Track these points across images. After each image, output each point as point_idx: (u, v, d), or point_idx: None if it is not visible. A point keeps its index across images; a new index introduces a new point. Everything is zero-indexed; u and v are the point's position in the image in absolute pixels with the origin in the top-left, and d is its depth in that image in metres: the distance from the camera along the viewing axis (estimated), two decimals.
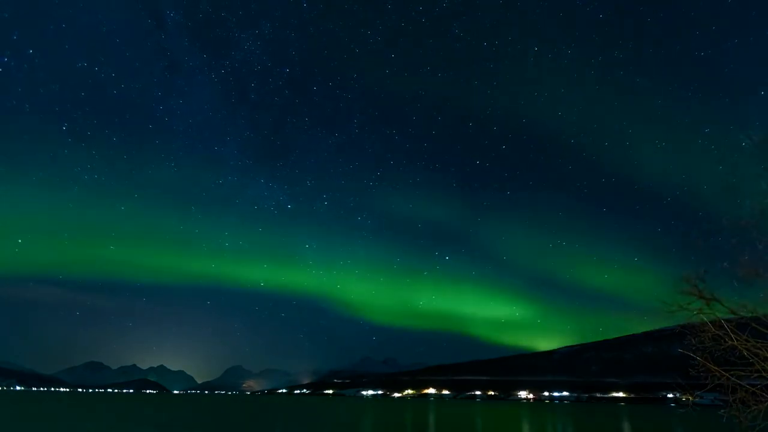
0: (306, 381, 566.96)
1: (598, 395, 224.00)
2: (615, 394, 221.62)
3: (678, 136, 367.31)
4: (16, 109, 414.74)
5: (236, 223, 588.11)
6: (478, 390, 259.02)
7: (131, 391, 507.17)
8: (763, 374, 8.04)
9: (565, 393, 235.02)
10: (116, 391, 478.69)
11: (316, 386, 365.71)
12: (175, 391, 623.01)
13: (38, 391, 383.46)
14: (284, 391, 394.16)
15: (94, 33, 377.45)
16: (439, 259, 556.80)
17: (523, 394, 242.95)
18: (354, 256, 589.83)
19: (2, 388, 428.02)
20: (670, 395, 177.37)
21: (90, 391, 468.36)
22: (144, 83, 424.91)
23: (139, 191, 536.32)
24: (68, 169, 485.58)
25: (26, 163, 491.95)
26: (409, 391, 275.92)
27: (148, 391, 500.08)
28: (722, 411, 8.43)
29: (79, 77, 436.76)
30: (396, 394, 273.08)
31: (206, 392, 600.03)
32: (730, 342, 8.26)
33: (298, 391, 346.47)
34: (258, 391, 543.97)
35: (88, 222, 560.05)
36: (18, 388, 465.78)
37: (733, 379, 8.28)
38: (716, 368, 8.35)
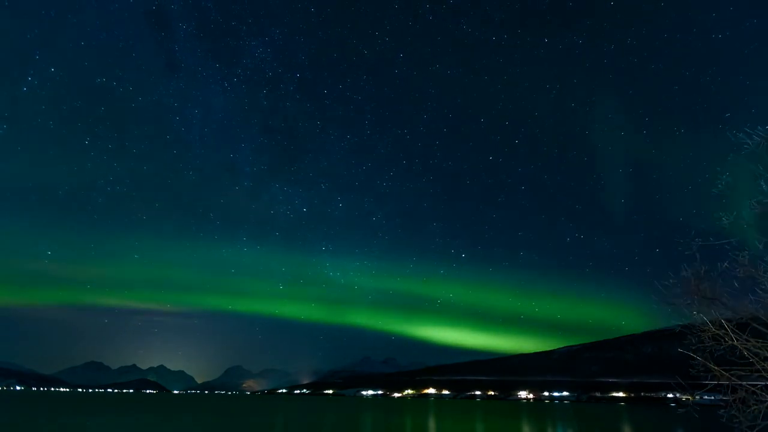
0: (306, 381, 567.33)
1: (598, 395, 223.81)
2: (615, 394, 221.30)
3: (697, 122, 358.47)
4: (41, 126, 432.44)
5: (253, 228, 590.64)
6: (478, 390, 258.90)
7: (131, 391, 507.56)
8: (763, 374, 8.03)
9: (565, 393, 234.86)
10: (116, 391, 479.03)
11: (316, 386, 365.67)
12: (175, 391, 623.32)
13: (38, 391, 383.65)
14: (284, 391, 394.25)
15: (111, 49, 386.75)
16: (455, 257, 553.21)
17: (523, 394, 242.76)
18: (370, 256, 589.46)
19: (2, 388, 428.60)
20: (670, 395, 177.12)
21: (90, 391, 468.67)
22: (160, 95, 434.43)
23: (159, 200, 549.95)
24: (92, 181, 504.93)
25: (53, 178, 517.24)
26: (409, 391, 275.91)
27: (148, 391, 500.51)
28: (722, 411, 8.42)
29: (98, 93, 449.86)
30: (396, 394, 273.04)
31: (206, 392, 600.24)
32: (730, 342, 8.24)
33: (298, 391, 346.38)
34: (258, 391, 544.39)
35: (113, 232, 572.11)
36: (18, 388, 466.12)
37: (733, 379, 8.27)
38: (716, 368, 8.33)
